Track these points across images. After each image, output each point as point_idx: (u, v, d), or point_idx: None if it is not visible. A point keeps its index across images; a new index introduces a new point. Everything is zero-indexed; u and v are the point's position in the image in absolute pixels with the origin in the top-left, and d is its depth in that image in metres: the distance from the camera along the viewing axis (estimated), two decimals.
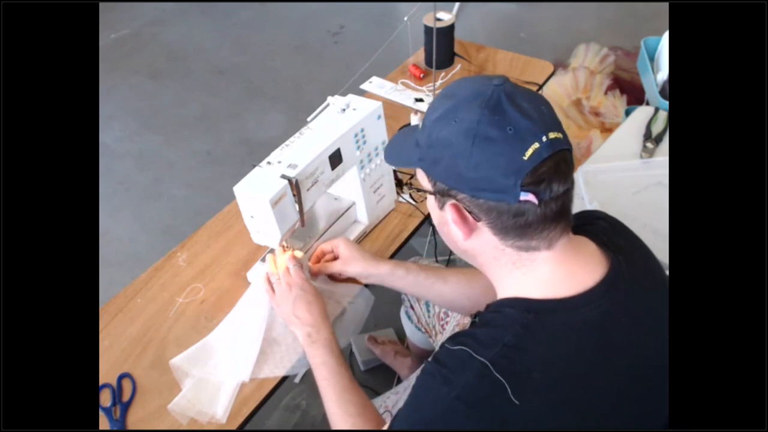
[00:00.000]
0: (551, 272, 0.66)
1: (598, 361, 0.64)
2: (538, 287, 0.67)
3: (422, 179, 0.71)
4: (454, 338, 0.67)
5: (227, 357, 1.00)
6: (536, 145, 0.60)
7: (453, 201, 0.66)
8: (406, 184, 0.74)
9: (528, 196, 0.61)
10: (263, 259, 1.12)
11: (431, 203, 0.72)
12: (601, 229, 0.75)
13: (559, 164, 0.62)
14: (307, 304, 0.96)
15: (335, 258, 1.07)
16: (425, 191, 0.71)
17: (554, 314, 0.65)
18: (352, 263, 1.03)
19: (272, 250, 1.09)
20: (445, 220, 0.68)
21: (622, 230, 0.78)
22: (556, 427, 0.62)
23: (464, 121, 0.62)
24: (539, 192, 0.61)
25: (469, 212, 0.66)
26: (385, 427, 0.71)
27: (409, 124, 1.42)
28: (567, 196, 0.64)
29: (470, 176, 0.62)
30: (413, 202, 0.74)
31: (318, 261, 1.09)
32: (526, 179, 0.60)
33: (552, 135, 0.61)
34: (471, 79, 0.68)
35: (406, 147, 0.73)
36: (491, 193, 0.62)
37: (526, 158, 0.60)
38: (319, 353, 0.92)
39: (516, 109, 0.61)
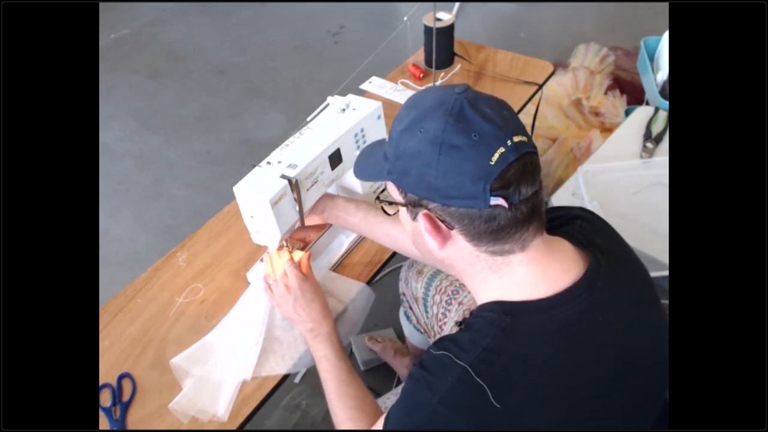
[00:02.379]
0: (526, 273, 0.67)
1: (579, 360, 0.65)
2: (515, 290, 0.67)
3: (393, 192, 0.71)
4: (438, 343, 0.68)
5: (228, 355, 1.00)
6: (502, 149, 0.60)
7: (425, 211, 0.66)
8: (377, 198, 0.75)
9: (498, 201, 0.61)
10: (263, 260, 1.13)
11: (404, 215, 0.72)
12: (578, 228, 0.75)
13: (526, 167, 0.62)
14: (308, 303, 0.97)
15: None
16: (397, 203, 0.71)
17: (532, 315, 0.65)
18: (318, 204, 1.05)
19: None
20: (419, 231, 0.69)
21: (601, 227, 0.78)
22: (541, 427, 0.62)
23: (430, 131, 0.62)
24: (509, 196, 0.61)
25: (442, 221, 0.66)
26: (380, 424, 0.72)
27: None
28: (536, 197, 0.64)
29: (439, 185, 0.63)
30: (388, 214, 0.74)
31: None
32: (495, 184, 0.60)
33: (516, 138, 0.62)
34: (434, 88, 0.68)
35: (374, 161, 0.74)
36: (461, 200, 0.62)
37: (493, 163, 0.60)
38: (321, 347, 0.94)
39: (479, 116, 0.62)
